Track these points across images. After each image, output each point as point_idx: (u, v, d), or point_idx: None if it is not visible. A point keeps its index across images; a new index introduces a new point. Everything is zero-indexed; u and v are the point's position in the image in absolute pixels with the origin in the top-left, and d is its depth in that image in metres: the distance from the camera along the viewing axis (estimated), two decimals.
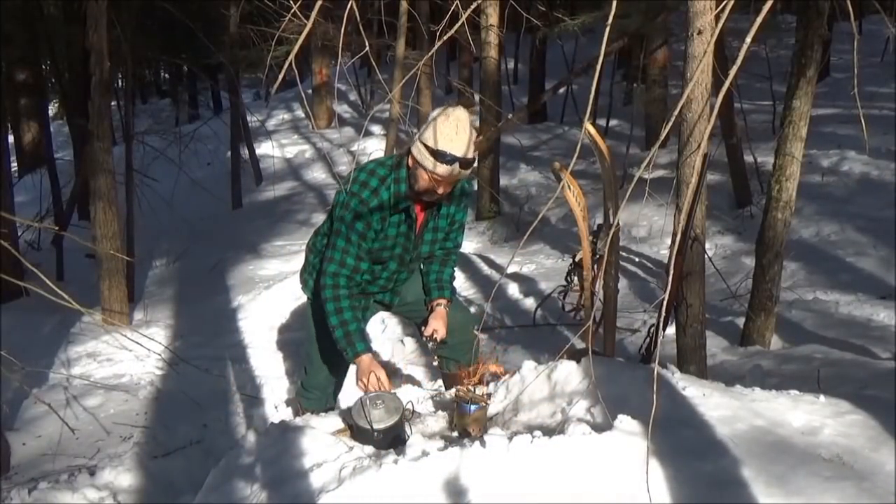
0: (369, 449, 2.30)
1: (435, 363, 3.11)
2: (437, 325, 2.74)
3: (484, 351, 2.91)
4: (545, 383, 2.54)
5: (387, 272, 2.80)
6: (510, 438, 2.05)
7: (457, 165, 2.45)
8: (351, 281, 2.64)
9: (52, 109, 16.54)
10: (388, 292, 2.93)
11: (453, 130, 2.43)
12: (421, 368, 4.03)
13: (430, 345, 2.79)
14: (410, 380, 3.83)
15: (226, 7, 10.47)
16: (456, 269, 2.97)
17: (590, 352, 1.93)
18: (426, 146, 2.45)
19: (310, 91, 14.27)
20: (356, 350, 2.57)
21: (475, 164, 2.60)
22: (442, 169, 2.45)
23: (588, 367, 2.42)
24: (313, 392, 3.02)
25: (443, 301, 2.80)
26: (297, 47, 1.70)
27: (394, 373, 4.05)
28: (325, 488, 2.02)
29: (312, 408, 2.97)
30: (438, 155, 2.42)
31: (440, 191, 2.54)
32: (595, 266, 2.88)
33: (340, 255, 2.60)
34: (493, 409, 2.57)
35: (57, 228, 6.56)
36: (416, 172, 2.52)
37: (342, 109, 15.44)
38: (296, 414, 3.11)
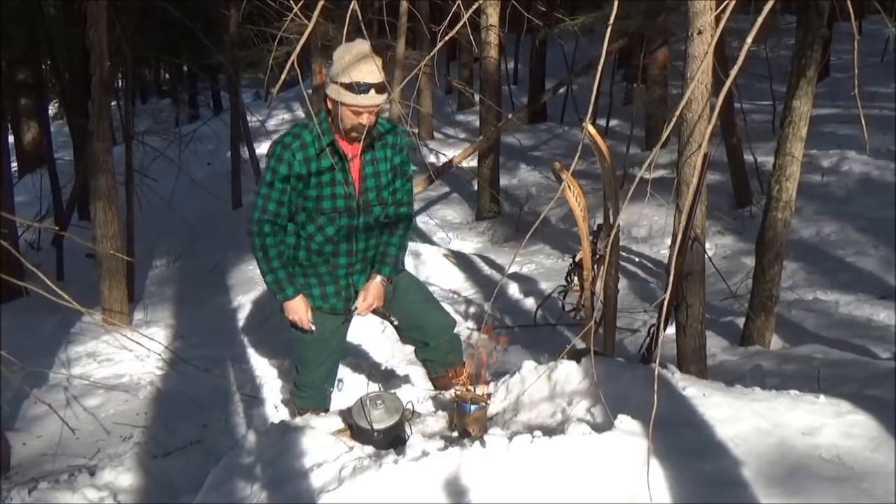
0: (369, 449, 2.30)
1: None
2: (361, 296, 2.81)
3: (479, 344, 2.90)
4: (545, 383, 2.54)
5: (343, 231, 2.75)
6: (510, 438, 2.05)
7: (373, 91, 2.54)
8: (275, 227, 2.72)
9: (52, 109, 16.53)
10: (357, 273, 2.85)
11: (360, 61, 2.53)
12: (421, 368, 4.02)
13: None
14: (410, 380, 3.82)
15: (226, 7, 10.45)
16: (408, 245, 2.98)
17: (591, 352, 1.93)
18: (340, 84, 2.55)
19: (310, 91, 14.26)
20: (286, 294, 2.75)
21: (389, 90, 2.67)
22: (360, 99, 2.54)
23: (588, 367, 2.43)
24: (307, 390, 3.03)
25: (377, 276, 2.83)
26: (298, 47, 1.70)
27: (392, 373, 4.05)
28: (325, 488, 2.02)
29: (308, 406, 2.98)
30: (354, 87, 2.52)
31: (364, 121, 2.61)
32: (595, 266, 2.88)
33: (263, 201, 2.68)
34: (493, 409, 2.57)
35: (57, 228, 6.57)
36: (339, 112, 2.60)
37: None
38: (293, 415, 3.11)
